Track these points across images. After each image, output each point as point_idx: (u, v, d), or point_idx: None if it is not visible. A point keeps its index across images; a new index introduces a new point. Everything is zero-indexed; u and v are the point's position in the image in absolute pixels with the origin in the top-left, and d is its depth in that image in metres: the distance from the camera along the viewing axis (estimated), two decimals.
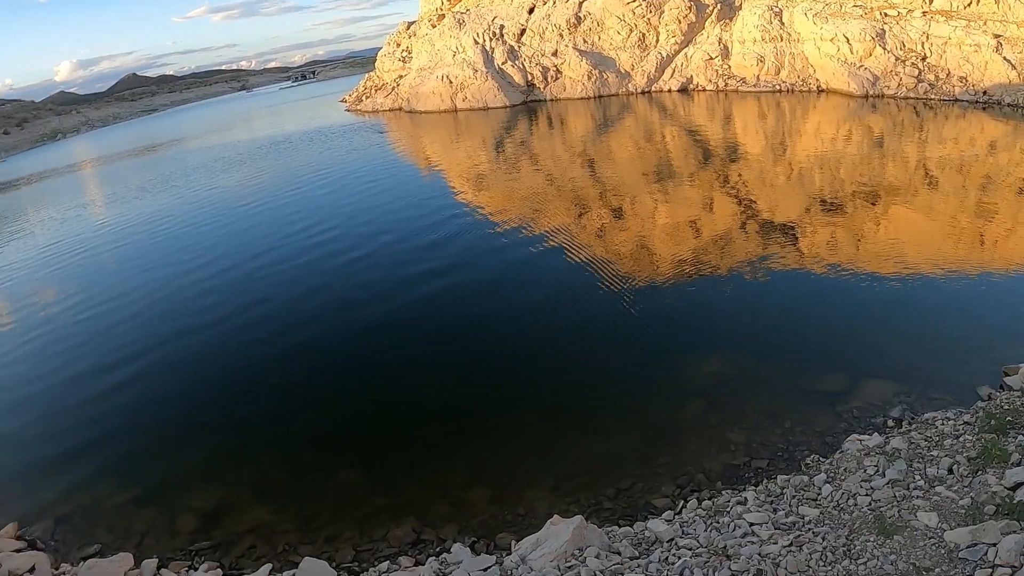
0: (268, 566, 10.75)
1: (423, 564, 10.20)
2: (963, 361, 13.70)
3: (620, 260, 22.13)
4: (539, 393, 15.38)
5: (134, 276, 28.39)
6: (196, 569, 11.12)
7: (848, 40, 47.93)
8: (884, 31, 46.75)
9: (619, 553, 9.12)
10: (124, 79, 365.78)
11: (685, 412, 13.65)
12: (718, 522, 9.60)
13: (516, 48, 69.44)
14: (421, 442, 14.06)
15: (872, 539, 8.07)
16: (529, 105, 66.41)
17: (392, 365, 17.48)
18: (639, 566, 8.63)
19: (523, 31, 69.51)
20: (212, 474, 14.12)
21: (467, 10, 76.57)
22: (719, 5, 60.29)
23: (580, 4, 66.45)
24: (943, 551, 7.57)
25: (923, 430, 10.88)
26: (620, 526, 10.31)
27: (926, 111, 39.92)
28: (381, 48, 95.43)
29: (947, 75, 42.74)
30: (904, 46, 45.74)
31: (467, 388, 16.11)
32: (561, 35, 66.52)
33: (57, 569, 11.32)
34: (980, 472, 8.91)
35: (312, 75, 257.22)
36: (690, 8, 60.32)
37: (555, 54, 66.73)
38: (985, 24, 42.41)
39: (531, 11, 70.59)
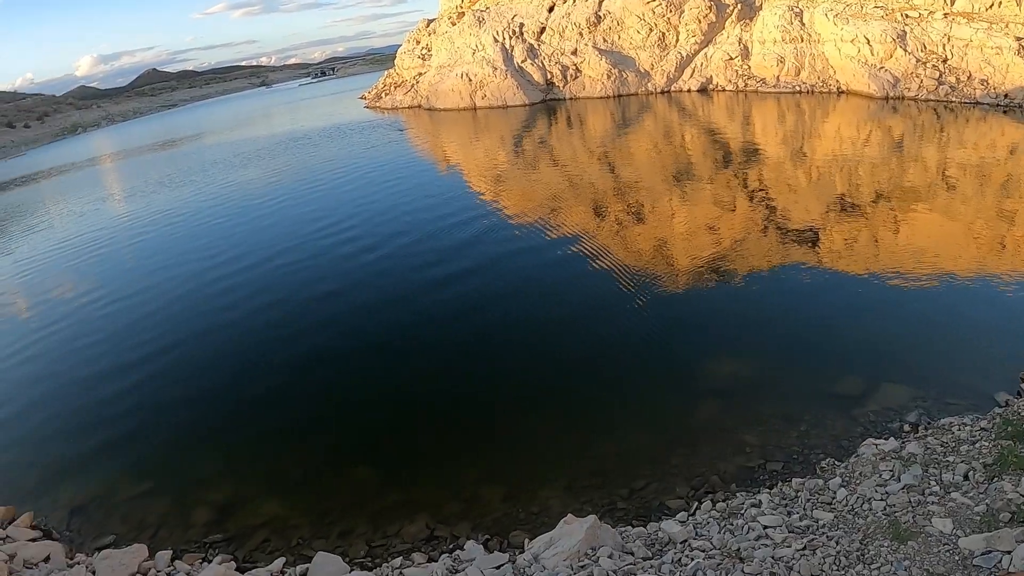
0: (281, 560, 10.80)
1: (436, 561, 10.23)
2: (981, 367, 13.60)
3: (637, 261, 22.10)
4: (554, 392, 15.36)
5: (153, 271, 28.56)
6: (210, 561, 11.17)
7: (869, 41, 47.65)
8: (905, 32, 46.44)
9: (632, 553, 9.12)
10: (144, 74, 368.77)
11: (700, 413, 13.62)
12: (732, 524, 9.57)
13: (536, 46, 69.43)
14: (436, 440, 14.10)
15: (886, 544, 8.04)
16: (548, 104, 66.36)
17: (408, 364, 17.49)
18: (652, 567, 8.63)
19: (543, 29, 69.48)
20: (227, 468, 14.19)
21: (487, 8, 76.51)
22: (739, 5, 60.07)
23: (600, 3, 66.36)
24: (957, 558, 7.53)
25: (939, 435, 10.82)
26: (633, 526, 10.29)
27: (947, 114, 39.63)
28: (401, 45, 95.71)
29: (968, 77, 42.42)
30: (925, 48, 45.42)
31: (482, 387, 16.14)
32: (581, 34, 66.44)
33: (72, 559, 11.40)
34: (996, 479, 8.85)
35: (332, 72, 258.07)
36: (710, 8, 60.14)
37: (575, 53, 66.65)
38: (1007, 26, 42.04)
39: (551, 9, 70.51)
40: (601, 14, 65.83)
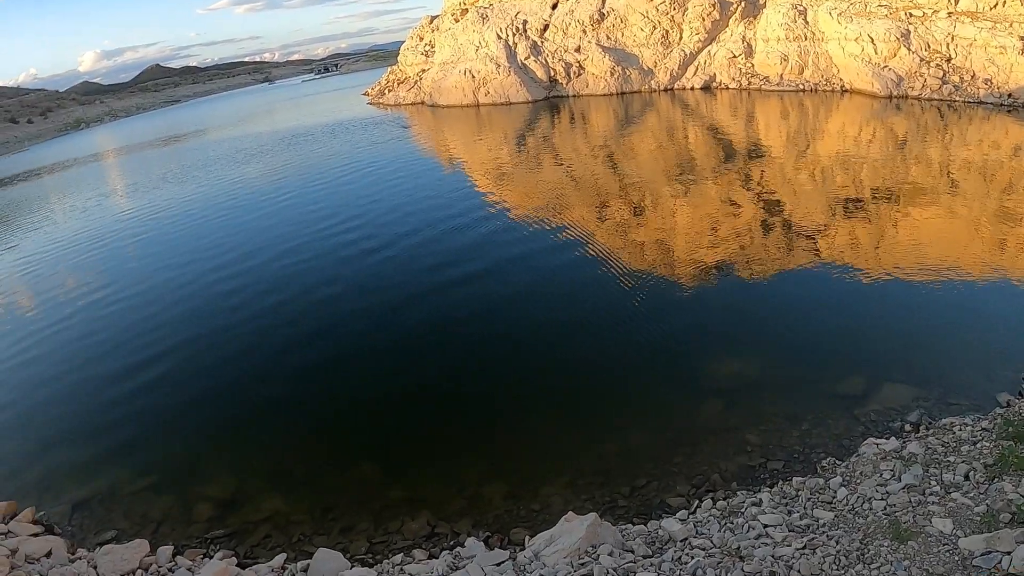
0: (283, 556, 10.83)
1: (437, 557, 10.26)
2: (982, 367, 13.60)
3: (641, 259, 22.10)
4: (557, 390, 15.39)
5: (156, 267, 28.64)
6: (211, 557, 11.20)
7: (873, 40, 47.54)
8: (909, 32, 46.33)
9: (632, 551, 9.13)
10: (147, 70, 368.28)
11: (702, 412, 13.64)
12: (732, 523, 9.59)
13: (539, 44, 69.40)
14: (438, 437, 14.14)
15: (886, 544, 8.05)
16: (551, 101, 66.36)
17: (411, 361, 17.53)
18: (652, 565, 8.64)
19: (546, 26, 69.46)
20: (229, 464, 14.25)
21: (490, 5, 76.50)
22: (743, 3, 59.99)
23: (604, 0, 66.28)
24: (957, 558, 7.54)
25: (940, 435, 10.83)
26: (634, 524, 10.31)
27: (950, 113, 39.54)
28: (404, 42, 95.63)
29: (972, 77, 42.31)
30: (929, 47, 45.31)
31: (485, 385, 16.19)
32: (584, 31, 66.41)
33: (73, 554, 11.42)
34: (997, 479, 8.85)
35: (335, 68, 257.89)
36: (714, 6, 60.06)
37: (578, 50, 66.61)
38: (1011, 26, 41.91)
39: (554, 7, 70.49)
40: (605, 11, 65.78)
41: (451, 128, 60.69)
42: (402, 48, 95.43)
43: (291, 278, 24.13)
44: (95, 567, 10.67)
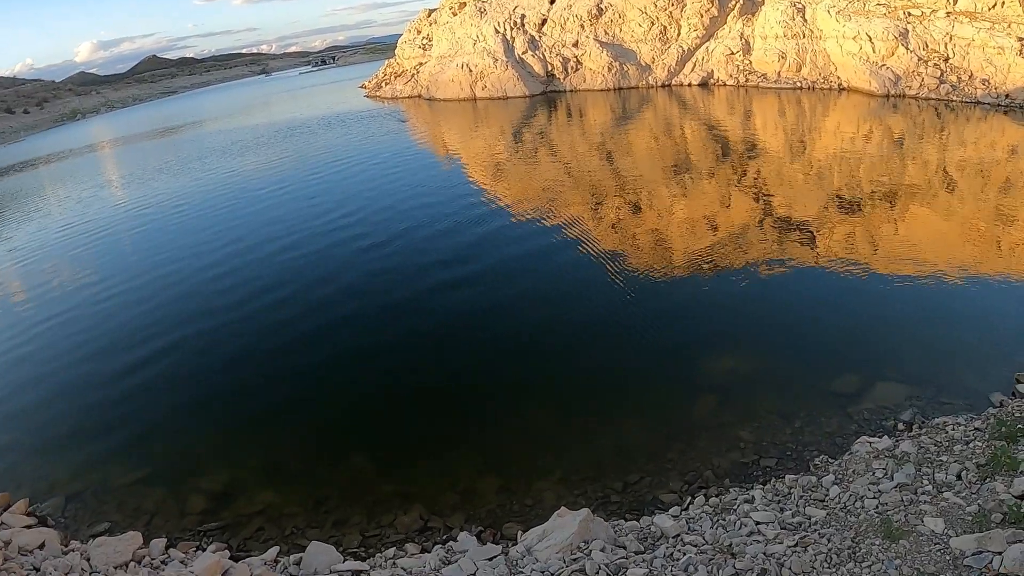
0: (275, 549, 10.83)
1: (429, 551, 10.27)
2: (976, 366, 13.63)
3: (636, 255, 22.11)
4: (551, 386, 15.41)
5: (151, 259, 28.59)
6: (204, 549, 11.19)
7: (871, 39, 47.53)
8: (907, 31, 46.32)
9: (624, 547, 9.15)
10: (144, 61, 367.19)
11: (696, 408, 13.65)
12: (724, 520, 9.61)
13: (537, 38, 69.32)
14: (431, 431, 14.14)
15: (877, 543, 8.06)
16: (548, 95, 66.30)
17: (405, 354, 17.54)
18: (644, 561, 8.66)
19: (544, 21, 69.37)
20: (223, 456, 14.24)
21: None
22: (741, 0, 59.94)
23: None
24: (948, 557, 7.55)
25: (933, 434, 10.85)
26: (627, 520, 10.31)
27: (947, 113, 39.56)
28: (401, 35, 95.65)
29: (969, 77, 42.31)
30: (927, 46, 45.31)
31: (479, 379, 16.20)
32: (582, 26, 66.32)
33: (66, 546, 11.40)
34: (989, 479, 8.87)
35: (332, 60, 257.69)
36: (712, 2, 60.03)
37: (576, 45, 66.53)
38: (1009, 26, 41.91)
39: (552, 1, 70.37)
40: (603, 7, 65.68)
41: (448, 122, 60.66)
42: (400, 41, 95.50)
43: (287, 273, 24.07)
44: (88, 559, 10.66)
